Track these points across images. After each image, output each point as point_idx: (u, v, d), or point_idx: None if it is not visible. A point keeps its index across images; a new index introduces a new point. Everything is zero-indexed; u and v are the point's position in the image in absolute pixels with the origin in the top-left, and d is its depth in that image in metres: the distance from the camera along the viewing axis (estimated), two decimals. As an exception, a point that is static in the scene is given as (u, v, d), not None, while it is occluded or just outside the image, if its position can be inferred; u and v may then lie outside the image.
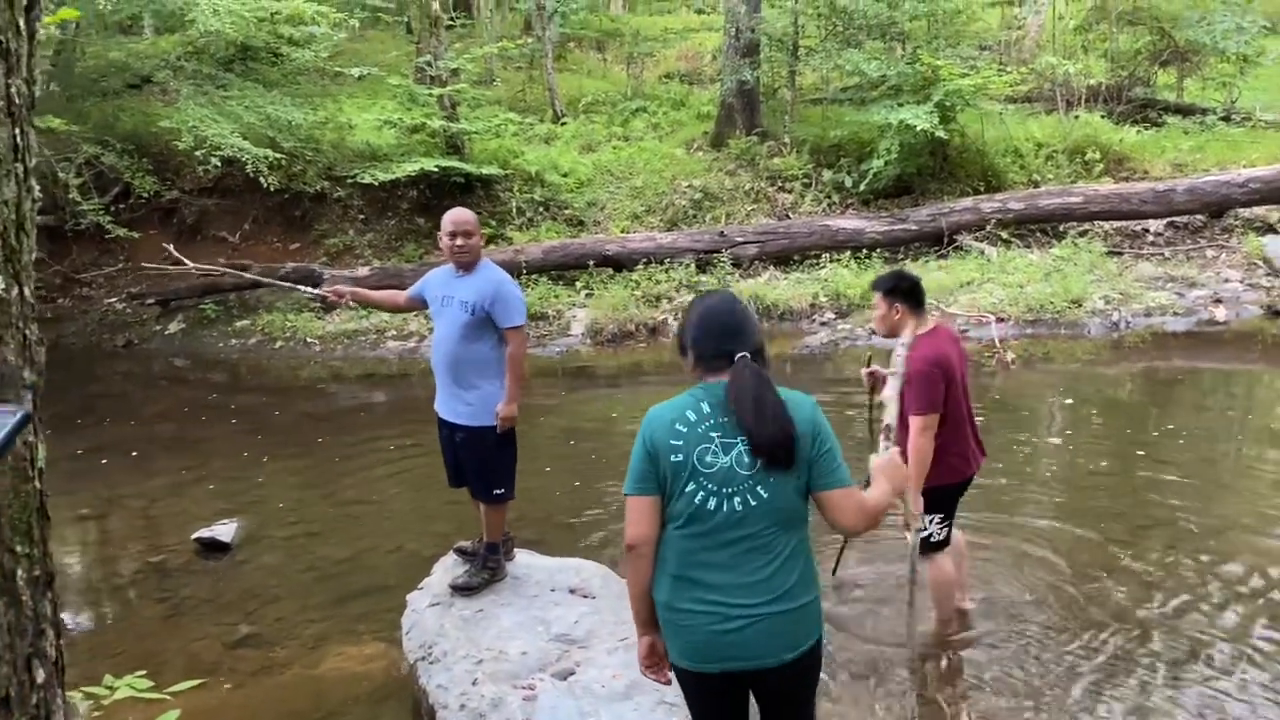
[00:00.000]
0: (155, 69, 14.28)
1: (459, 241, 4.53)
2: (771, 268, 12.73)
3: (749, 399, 2.34)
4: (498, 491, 4.60)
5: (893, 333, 4.16)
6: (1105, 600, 4.85)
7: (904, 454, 4.02)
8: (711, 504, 2.34)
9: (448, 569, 4.84)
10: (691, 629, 2.39)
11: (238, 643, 4.99)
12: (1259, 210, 12.71)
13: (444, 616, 4.42)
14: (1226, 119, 15.77)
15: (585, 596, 4.54)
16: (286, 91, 14.02)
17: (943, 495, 4.25)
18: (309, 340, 12.07)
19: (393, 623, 4.72)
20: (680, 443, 2.37)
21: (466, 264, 4.57)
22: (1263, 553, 5.28)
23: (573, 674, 3.94)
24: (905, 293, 4.14)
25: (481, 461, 4.58)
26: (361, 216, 14.19)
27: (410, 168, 13.23)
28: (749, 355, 2.41)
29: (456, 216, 4.56)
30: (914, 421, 4.04)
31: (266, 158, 12.44)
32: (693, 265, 12.50)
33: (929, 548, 4.34)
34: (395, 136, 14.63)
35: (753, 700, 2.58)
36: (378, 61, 15.87)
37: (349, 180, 13.72)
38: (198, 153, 12.15)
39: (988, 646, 4.50)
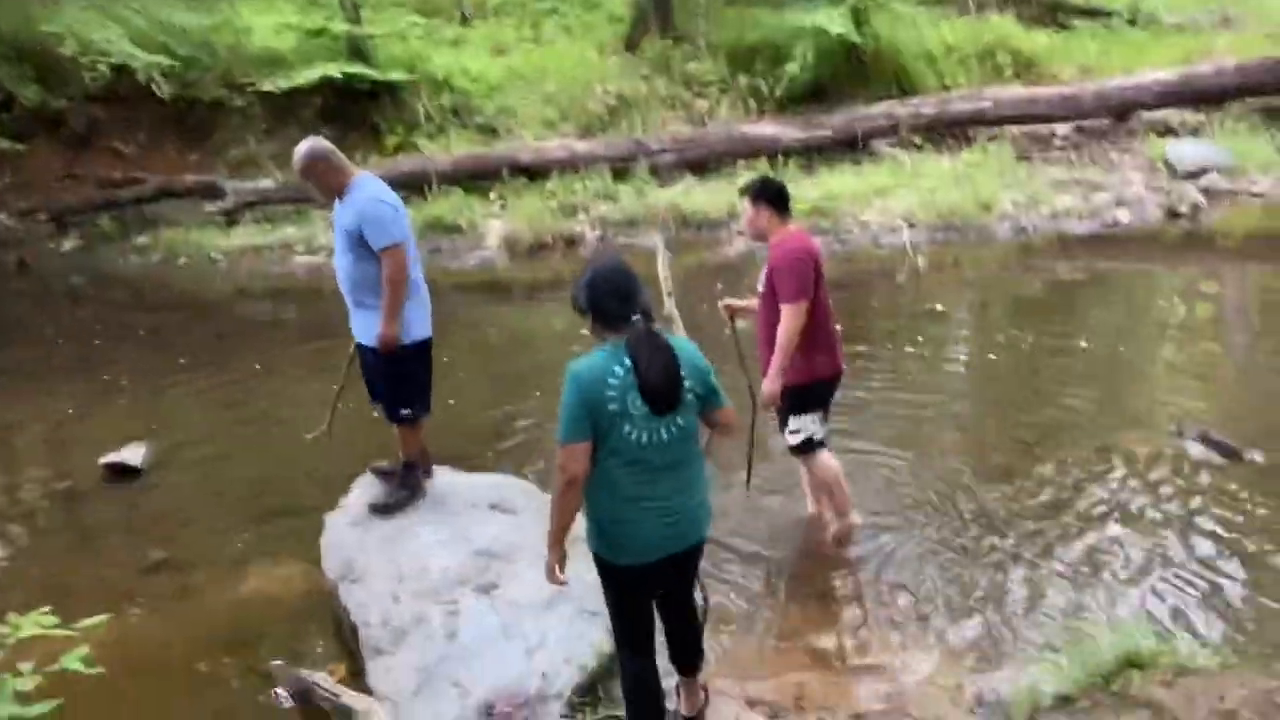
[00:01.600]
0: (32, -33, 13.39)
1: (307, 182, 4.49)
2: (689, 176, 12.63)
3: (651, 357, 2.84)
4: (404, 412, 4.56)
5: (760, 236, 4.35)
6: (999, 500, 5.02)
7: (771, 344, 4.16)
8: (644, 439, 2.88)
9: (366, 489, 4.81)
10: (642, 532, 2.95)
11: (151, 568, 4.91)
12: (1161, 113, 12.98)
13: (364, 535, 4.41)
14: (1132, 22, 15.98)
15: (506, 512, 4.56)
16: (179, -7, 13.28)
17: (816, 392, 4.37)
18: (213, 256, 11.67)
19: (311, 543, 4.67)
20: (614, 394, 2.84)
21: (332, 194, 4.44)
22: (1157, 447, 5.51)
23: (495, 588, 3.98)
24: (771, 197, 4.30)
25: (383, 381, 4.52)
26: (263, 126, 13.62)
27: (313, 74, 12.74)
28: (640, 316, 2.90)
29: (293, 160, 4.45)
30: (785, 309, 4.16)
31: (159, 64, 11.84)
32: (609, 174, 12.34)
33: (810, 447, 4.46)
34: (296, 41, 14.02)
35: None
36: (274, -40, 15.09)
37: (248, 88, 13.16)
38: (84, 59, 11.49)
39: (887, 546, 4.65)
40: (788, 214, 4.36)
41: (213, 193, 12.54)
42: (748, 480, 5.10)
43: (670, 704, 3.33)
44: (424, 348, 4.55)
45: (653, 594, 3.15)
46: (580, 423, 2.83)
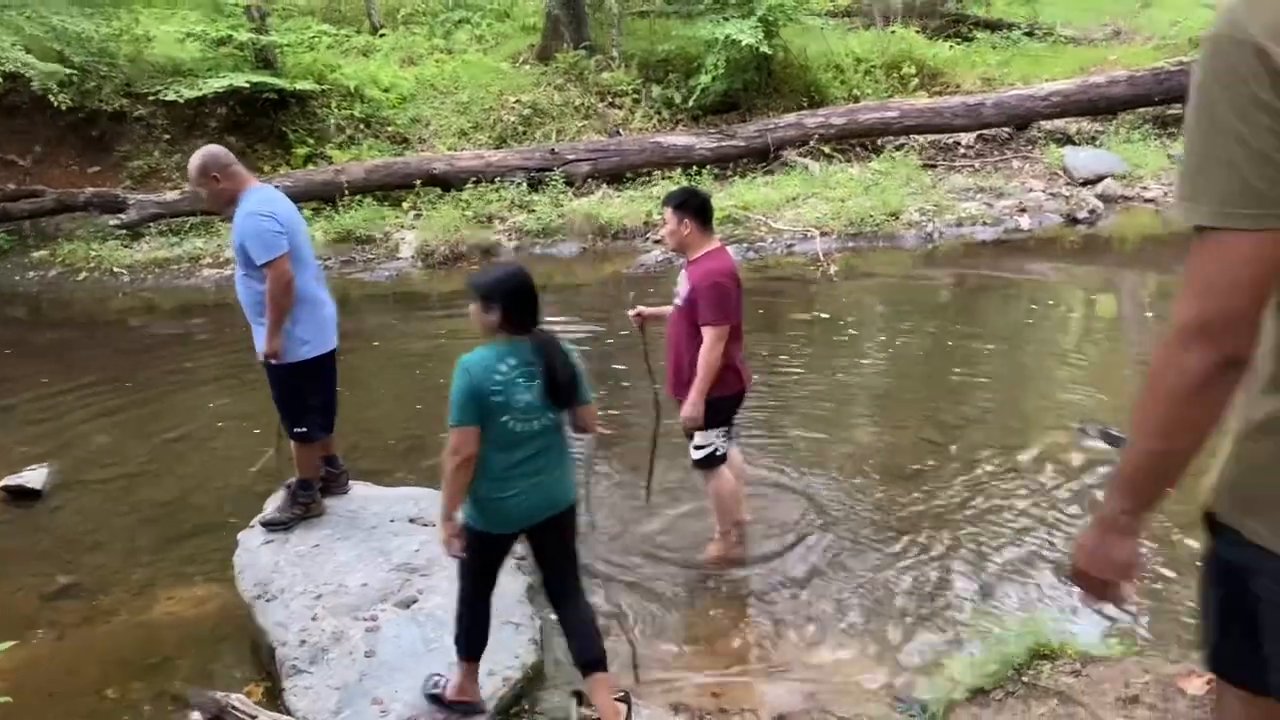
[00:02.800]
0: (-83, -28, 12.86)
1: (200, 192, 4.43)
2: (604, 185, 12.69)
3: (559, 361, 3.19)
4: (298, 429, 4.51)
5: (681, 248, 4.33)
6: (910, 501, 5.15)
7: (691, 366, 4.20)
8: (520, 428, 3.17)
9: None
10: (515, 505, 3.24)
11: (57, 593, 4.75)
12: (1059, 122, 13.48)
13: (279, 553, 4.33)
14: (1030, 34, 16.56)
15: (425, 525, 4.52)
16: (74, 1, 12.88)
17: (724, 408, 4.42)
18: (116, 270, 11.34)
19: (225, 563, 4.58)
20: (499, 387, 3.11)
21: (223, 206, 4.41)
22: (1060, 445, 5.72)
23: (415, 602, 3.95)
24: (695, 209, 4.27)
25: (276, 399, 4.47)
26: (167, 136, 13.29)
27: (218, 83, 12.47)
28: (538, 323, 3.23)
29: (188, 169, 4.42)
30: (707, 332, 4.18)
31: (55, 73, 11.46)
32: (524, 184, 12.33)
33: (712, 462, 4.49)
34: (200, 50, 13.71)
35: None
36: (176, -33, 14.75)
37: (151, 98, 12.83)
38: (-27, 68, 11.08)
39: (802, 548, 4.73)
40: (710, 227, 4.35)
41: (114, 206, 12.17)
42: (648, 490, 5.14)
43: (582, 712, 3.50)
44: (319, 365, 4.48)
45: (505, 558, 3.49)
46: (470, 409, 3.10)
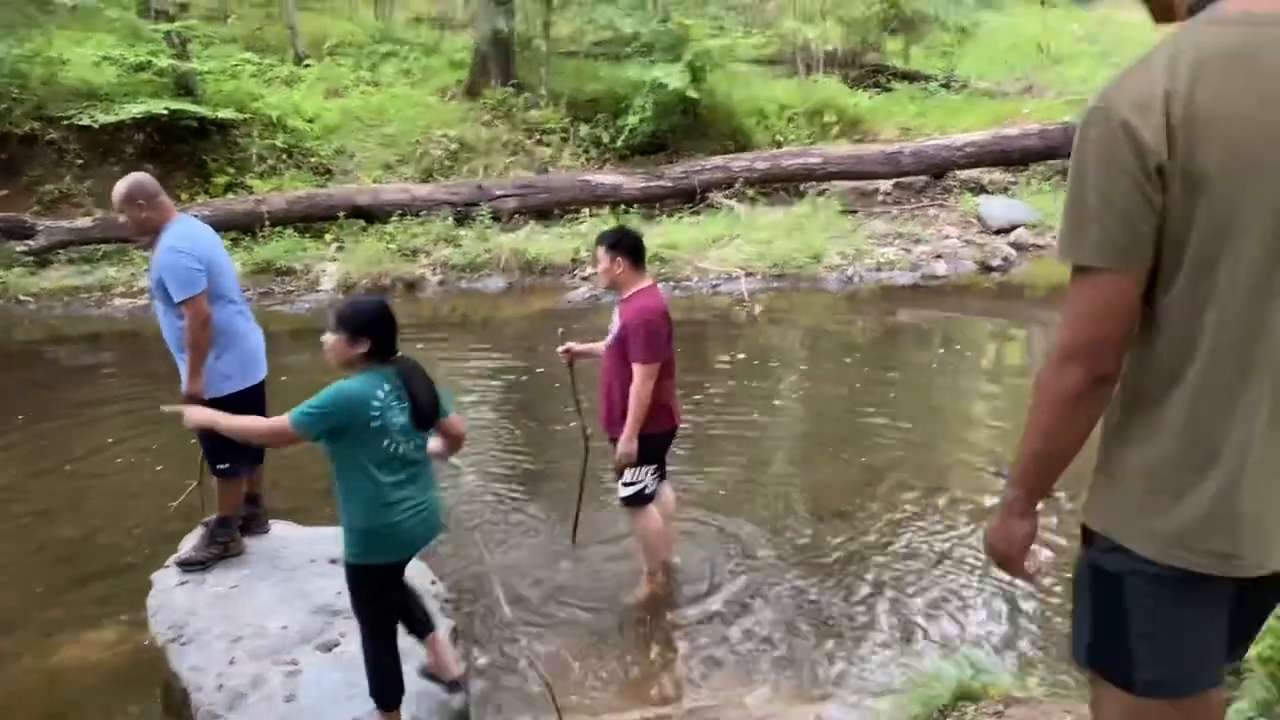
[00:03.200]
0: None
1: (121, 218, 4.34)
2: (532, 222, 12.70)
3: (421, 384, 3.31)
4: (220, 466, 4.40)
5: (614, 285, 4.38)
6: (834, 541, 5.21)
7: (623, 402, 4.23)
8: (399, 449, 3.25)
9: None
10: (405, 529, 3.29)
11: (-47, 637, 4.53)
12: (974, 172, 13.92)
13: (195, 595, 4.19)
14: (946, 85, 17.11)
15: (348, 565, 4.42)
16: (-15, 20, 12.51)
17: (655, 445, 4.45)
18: (22, 298, 10.95)
19: (137, 604, 4.41)
20: (376, 413, 3.17)
21: (145, 235, 4.32)
22: (972, 487, 5.85)
23: (337, 645, 3.85)
24: (628, 249, 4.33)
25: (200, 434, 4.35)
26: (80, 161, 12.91)
27: (135, 109, 12.20)
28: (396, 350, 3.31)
29: (113, 193, 4.28)
30: (638, 370, 4.23)
31: (-38, 94, 11.09)
32: (450, 218, 12.28)
33: (641, 500, 4.51)
34: (117, 75, 13.41)
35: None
36: (94, -10, 14.40)
37: (64, 121, 12.48)
38: (-125, 85, 10.66)
39: (729, 589, 4.76)
40: (642, 266, 4.40)
41: (22, 231, 11.77)
42: (574, 532, 5.13)
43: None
44: (244, 400, 4.36)
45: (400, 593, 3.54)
46: (322, 426, 3.12)
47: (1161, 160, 1.52)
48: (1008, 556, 1.92)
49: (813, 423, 7.27)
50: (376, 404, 3.17)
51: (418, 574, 4.44)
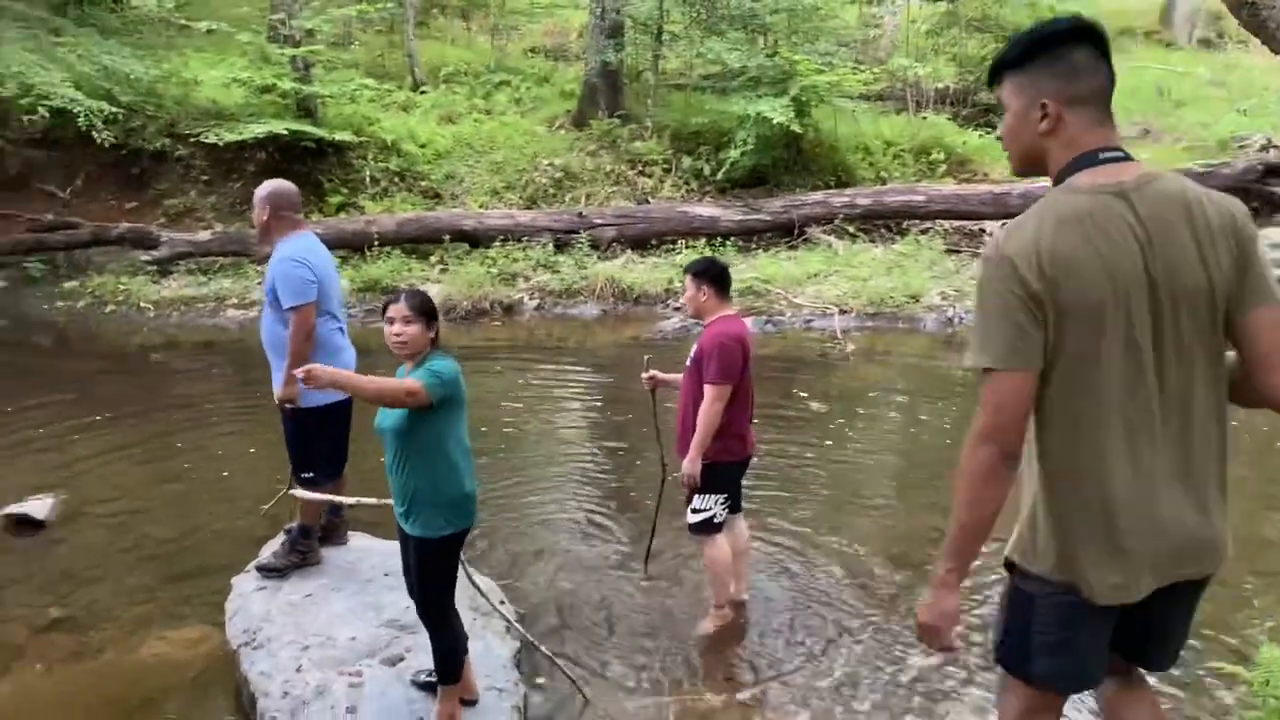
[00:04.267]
0: (-22, 7, 13.30)
1: (253, 215, 4.56)
2: (629, 251, 12.82)
3: None
4: (304, 475, 4.55)
5: (699, 314, 4.45)
6: (912, 592, 5.06)
7: (695, 426, 4.23)
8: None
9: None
10: (473, 499, 3.53)
11: (48, 626, 4.74)
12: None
13: (270, 601, 4.32)
14: (1060, 127, 16.67)
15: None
16: (127, 41, 13.30)
17: (725, 473, 4.44)
18: (143, 305, 11.53)
19: (218, 606, 4.57)
20: (462, 388, 3.45)
21: (266, 240, 4.54)
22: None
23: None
24: (714, 277, 4.40)
25: (289, 442, 4.53)
26: (205, 178, 13.59)
27: (258, 129, 12.75)
28: None
29: (255, 192, 4.56)
30: (710, 390, 4.26)
31: (101, 111, 11.77)
32: (550, 245, 12.48)
33: (708, 528, 4.48)
34: (244, 96, 14.06)
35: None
36: (228, 16, 15.16)
37: (192, 139, 13.13)
38: (23, 101, 11.39)
39: (784, 636, 4.67)
40: (728, 296, 4.47)
41: (147, 242, 12.40)
42: (646, 560, 5.12)
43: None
44: (332, 413, 4.52)
45: None
46: (442, 392, 3.33)
47: (1038, 291, 2.05)
48: (936, 630, 2.29)
49: (902, 467, 7.12)
50: (462, 381, 3.44)
51: (487, 592, 4.50)
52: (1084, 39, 2.15)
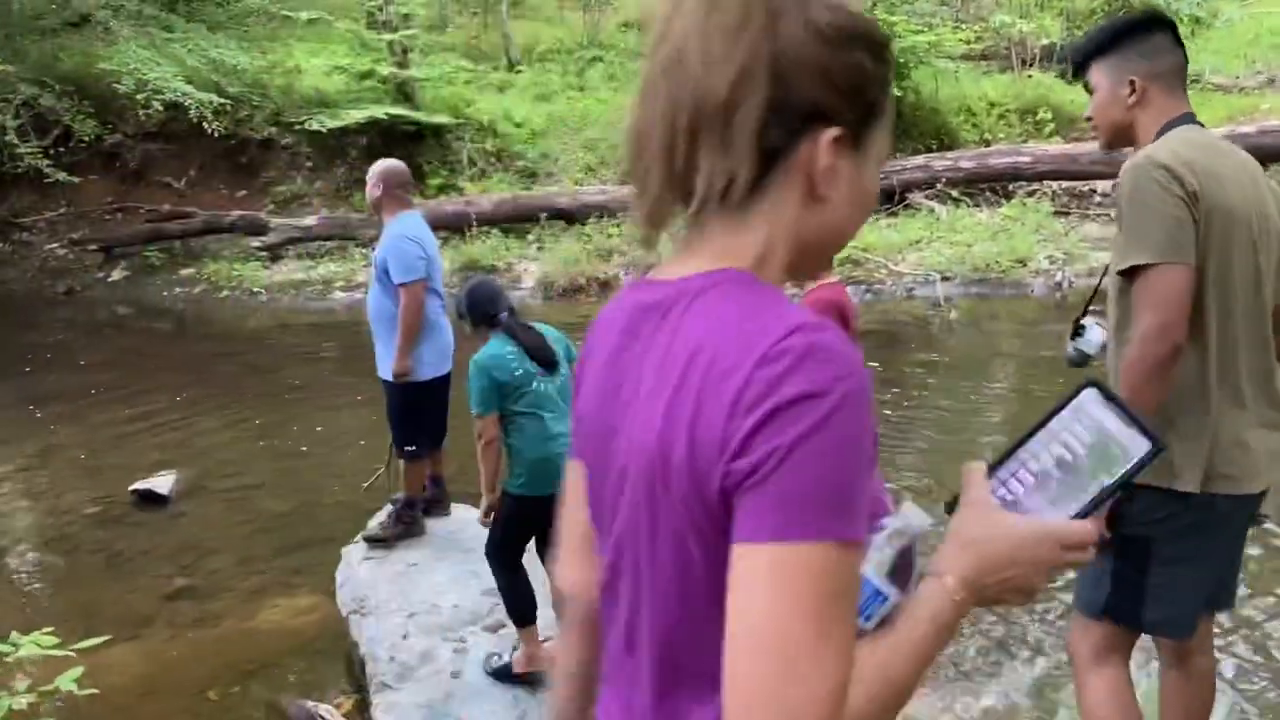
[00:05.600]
0: (95, 7, 13.88)
1: (368, 191, 4.72)
2: (725, 222, 12.74)
3: (527, 335, 3.66)
4: (408, 448, 4.67)
5: (799, 282, 4.31)
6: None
7: None
8: (545, 388, 3.63)
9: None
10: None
11: (173, 595, 4.98)
12: (1203, 173, 12.89)
13: (378, 570, 4.45)
14: (1177, 80, 15.91)
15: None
16: (233, 34, 13.75)
17: None
18: (255, 289, 11.94)
19: (330, 575, 4.73)
20: (515, 365, 3.58)
21: (378, 215, 4.72)
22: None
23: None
24: None
25: (393, 415, 4.64)
26: (310, 164, 13.98)
27: (359, 115, 13.05)
28: (507, 312, 3.71)
29: (370, 169, 4.75)
30: None
31: (211, 103, 12.20)
32: (645, 219, 12.47)
33: None
34: (345, 82, 14.39)
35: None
36: (327, 4, 15.53)
37: (297, 127, 13.51)
38: (139, 96, 11.88)
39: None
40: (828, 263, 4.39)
41: (258, 228, 12.83)
42: None
43: None
44: (435, 388, 4.67)
45: None
46: (490, 397, 3.54)
47: (1195, 190, 2.17)
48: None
49: (1005, 434, 6.94)
50: (511, 358, 3.60)
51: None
52: (1160, 26, 2.43)
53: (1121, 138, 2.47)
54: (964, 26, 15.25)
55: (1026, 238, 11.33)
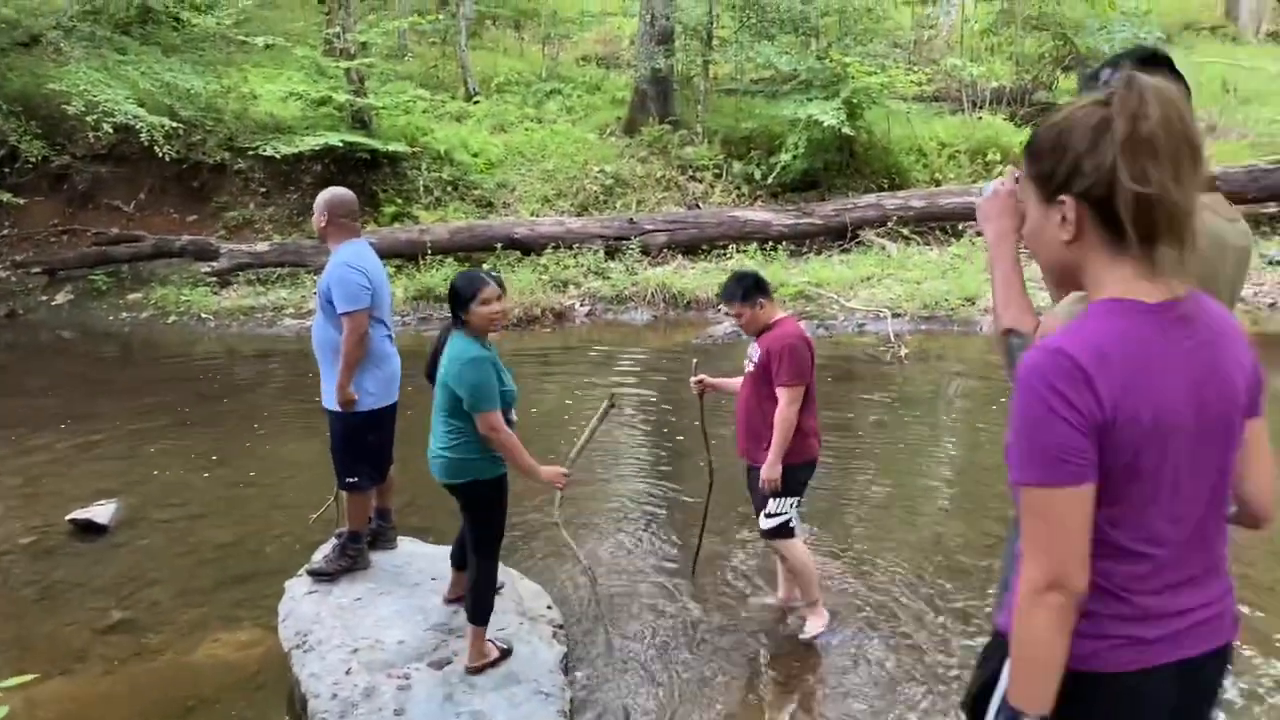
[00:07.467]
0: (47, 28, 13.70)
1: (314, 219, 4.69)
2: (680, 256, 12.82)
3: (441, 344, 3.91)
4: (349, 480, 4.62)
5: (760, 327, 4.37)
6: (962, 596, 4.99)
7: (764, 425, 4.19)
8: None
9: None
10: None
11: (109, 628, 4.85)
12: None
13: (321, 604, 4.38)
14: (1120, 126, 16.31)
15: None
16: (188, 58, 13.62)
17: (799, 475, 4.39)
18: (204, 315, 11.78)
19: (272, 609, 4.63)
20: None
21: (324, 243, 4.69)
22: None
23: (449, 663, 3.94)
24: (761, 288, 4.39)
25: (333, 447, 4.60)
26: (263, 190, 13.86)
27: (314, 141, 12.98)
28: (453, 318, 3.90)
29: (317, 198, 4.69)
30: (784, 393, 4.23)
31: (163, 126, 12.07)
32: (601, 251, 12.52)
33: (785, 532, 4.44)
34: (301, 109, 14.32)
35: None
36: (285, 31, 15.46)
37: (251, 152, 13.39)
38: (89, 118, 11.72)
39: (846, 636, 4.62)
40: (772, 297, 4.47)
41: (208, 253, 12.67)
42: (694, 563, 5.10)
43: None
44: (378, 418, 4.62)
45: None
46: (496, 391, 3.75)
47: None
48: None
49: (956, 472, 7.01)
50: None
51: (532, 597, 4.52)
52: (1157, 63, 2.31)
53: None
54: (916, 69, 15.55)
55: (975, 276, 11.52)
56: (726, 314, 4.69)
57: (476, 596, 3.85)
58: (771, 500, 4.37)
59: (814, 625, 4.56)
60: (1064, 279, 1.74)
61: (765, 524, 4.44)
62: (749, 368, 4.42)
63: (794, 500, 4.41)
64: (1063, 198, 1.65)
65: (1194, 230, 1.57)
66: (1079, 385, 1.53)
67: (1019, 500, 1.62)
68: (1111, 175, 1.56)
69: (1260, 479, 1.78)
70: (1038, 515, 1.58)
